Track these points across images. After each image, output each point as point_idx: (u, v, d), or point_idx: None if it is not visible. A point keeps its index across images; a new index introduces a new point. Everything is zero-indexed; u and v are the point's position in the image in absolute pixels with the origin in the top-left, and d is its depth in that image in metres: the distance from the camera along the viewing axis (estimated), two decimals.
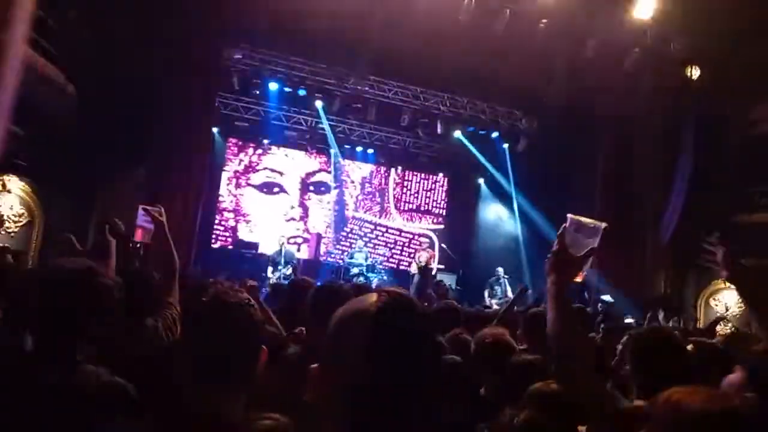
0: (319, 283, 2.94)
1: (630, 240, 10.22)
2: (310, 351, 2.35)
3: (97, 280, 1.68)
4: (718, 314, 8.87)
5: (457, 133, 13.06)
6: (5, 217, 8.19)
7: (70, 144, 7.79)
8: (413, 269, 11.50)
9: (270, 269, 10.69)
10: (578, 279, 1.78)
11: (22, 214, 8.38)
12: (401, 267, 13.83)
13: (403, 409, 0.90)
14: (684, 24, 8.74)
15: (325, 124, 12.65)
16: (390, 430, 0.89)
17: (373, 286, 11.74)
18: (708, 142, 9.47)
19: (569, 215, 1.65)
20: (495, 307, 9.75)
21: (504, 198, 13.74)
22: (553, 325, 1.58)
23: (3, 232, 8.14)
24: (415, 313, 0.95)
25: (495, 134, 13.15)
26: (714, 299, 10.19)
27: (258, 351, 1.36)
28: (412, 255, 13.98)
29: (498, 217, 14.04)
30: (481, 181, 14.42)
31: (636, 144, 10.48)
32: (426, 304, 5.59)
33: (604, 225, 1.62)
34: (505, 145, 13.20)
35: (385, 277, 12.26)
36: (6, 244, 7.57)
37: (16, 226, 8.31)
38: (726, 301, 10.12)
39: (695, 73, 9.20)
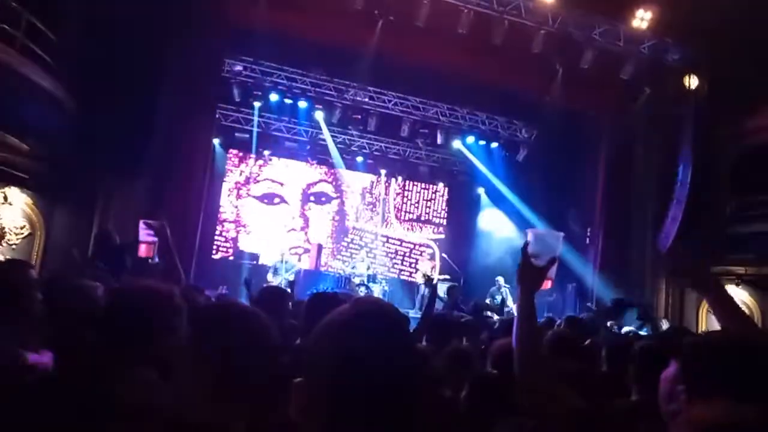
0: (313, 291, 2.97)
1: (630, 248, 10.23)
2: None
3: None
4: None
5: (457, 143, 13.11)
6: (6, 230, 8.21)
7: (71, 157, 7.83)
8: (419, 279, 11.56)
9: (270, 274, 10.73)
10: (547, 286, 1.89)
11: (24, 226, 8.41)
12: (402, 276, 13.83)
13: (377, 418, 0.88)
14: (682, 34, 8.81)
15: (327, 135, 12.70)
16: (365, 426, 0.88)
17: (375, 295, 11.78)
18: (706, 151, 9.49)
19: (528, 230, 1.87)
20: (495, 316, 9.74)
21: (504, 207, 13.74)
22: (517, 330, 1.72)
23: (4, 245, 8.16)
24: (390, 321, 0.95)
25: (495, 144, 13.19)
26: None
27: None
28: (413, 264, 13.99)
29: (498, 226, 14.04)
30: (481, 190, 14.44)
31: (635, 153, 10.52)
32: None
33: (561, 234, 1.84)
34: (505, 155, 13.24)
35: (386, 287, 12.25)
36: (8, 257, 7.60)
37: (17, 239, 8.33)
38: None
39: (693, 82, 9.25)
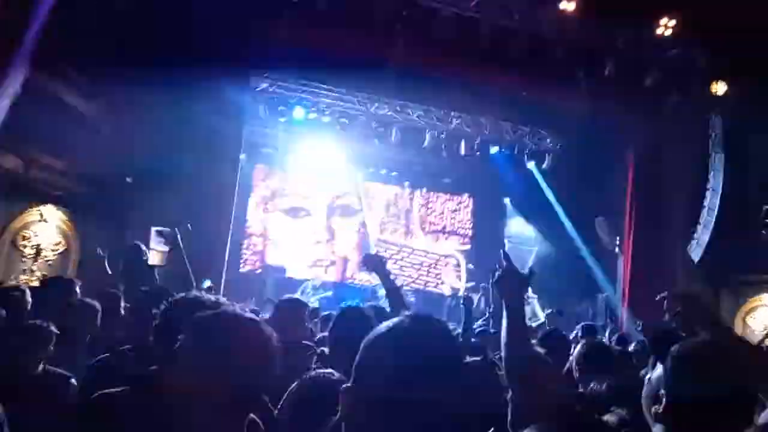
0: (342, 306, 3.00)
1: (659, 260, 10.05)
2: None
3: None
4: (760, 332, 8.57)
5: (481, 154, 13.07)
6: (43, 247, 8.46)
7: (104, 174, 8.06)
8: (446, 291, 11.52)
9: (299, 293, 10.79)
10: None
11: (59, 242, 8.65)
12: (428, 288, 13.79)
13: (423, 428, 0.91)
14: (708, 40, 8.68)
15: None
16: None
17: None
18: (738, 157, 9.31)
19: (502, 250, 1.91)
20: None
21: (531, 217, 13.64)
22: (505, 335, 1.74)
23: (41, 261, 8.41)
24: (438, 336, 0.99)
25: (519, 153, 13.12)
26: (751, 317, 9.90)
27: None
28: (438, 276, 13.94)
29: (525, 236, 13.92)
30: (507, 200, 14.35)
31: (664, 160, 10.36)
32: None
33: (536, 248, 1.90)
34: (531, 164, 13.16)
35: (412, 299, 12.23)
36: (45, 273, 7.83)
37: (53, 255, 8.58)
38: (763, 318, 9.83)
39: (721, 88, 9.10)
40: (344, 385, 0.99)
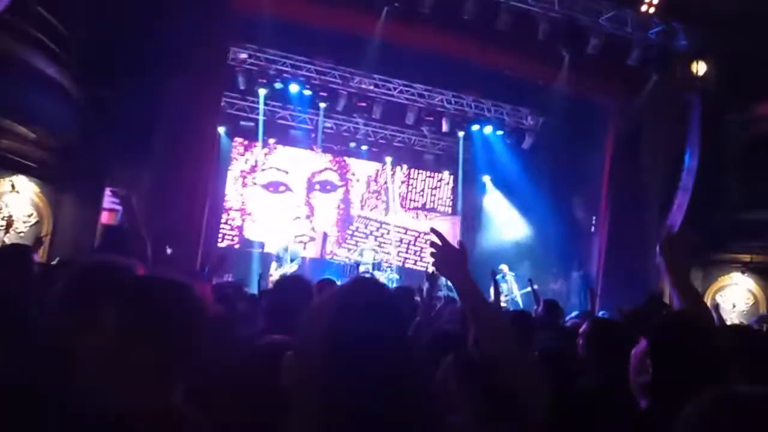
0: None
1: (635, 238, 10.21)
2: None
3: None
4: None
5: (462, 131, 13.07)
6: (15, 218, 8.28)
7: (77, 145, 7.87)
8: (431, 267, 11.57)
9: (274, 265, 10.76)
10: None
11: (32, 214, 8.47)
12: (407, 265, 13.86)
13: (366, 393, 0.91)
14: (690, 19, 8.73)
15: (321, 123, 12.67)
16: (354, 410, 0.91)
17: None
18: (714, 137, 9.44)
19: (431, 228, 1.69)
20: (502, 304, 9.78)
21: (510, 195, 13.73)
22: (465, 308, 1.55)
23: (12, 233, 8.23)
24: (379, 297, 0.99)
25: (500, 131, 13.15)
26: (720, 295, 10.16)
27: None
28: (418, 252, 14.01)
29: (504, 214, 14.03)
30: (486, 178, 14.41)
31: (642, 139, 10.46)
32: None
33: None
34: (511, 142, 13.20)
35: (392, 275, 12.29)
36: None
37: (25, 227, 8.40)
38: (733, 297, 10.09)
39: (701, 68, 9.18)
40: (286, 354, 0.99)
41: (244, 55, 11.18)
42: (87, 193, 8.22)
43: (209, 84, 10.07)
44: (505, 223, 13.89)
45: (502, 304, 9.78)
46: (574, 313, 5.60)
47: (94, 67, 7.79)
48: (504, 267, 11.43)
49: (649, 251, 10.47)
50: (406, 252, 14.19)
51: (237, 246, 12.74)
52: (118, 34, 7.72)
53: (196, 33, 8.87)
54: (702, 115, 9.34)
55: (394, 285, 10.49)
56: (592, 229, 11.83)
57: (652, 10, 8.80)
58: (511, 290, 11.01)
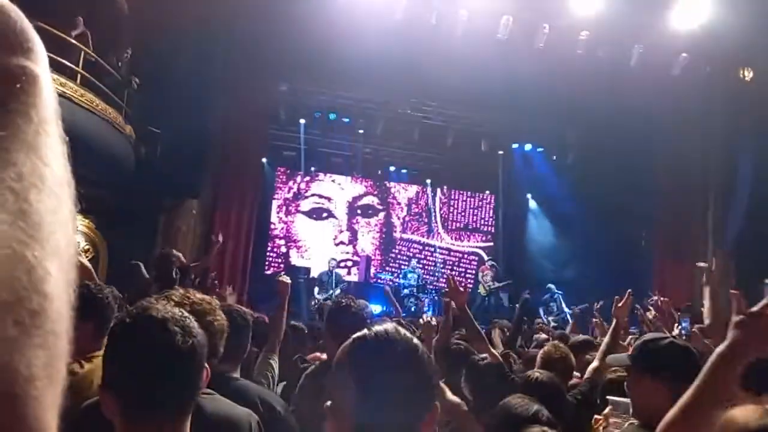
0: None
1: (688, 254, 9.88)
2: (328, 366, 2.57)
3: None
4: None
5: (502, 150, 12.99)
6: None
7: (130, 181, 8.19)
8: (481, 291, 11.46)
9: (317, 289, 10.84)
10: None
11: (88, 249, 8.82)
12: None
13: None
14: (734, 26, 8.50)
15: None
16: None
17: (425, 305, 11.77)
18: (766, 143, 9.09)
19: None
20: (553, 324, 9.58)
21: (554, 212, 13.51)
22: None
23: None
24: (395, 350, 1.02)
25: (541, 149, 13.00)
26: None
27: None
28: (462, 274, 13.88)
29: (547, 231, 13.80)
30: (529, 196, 14.24)
31: (691, 148, 10.17)
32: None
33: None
34: (553, 159, 13.04)
35: (436, 297, 12.20)
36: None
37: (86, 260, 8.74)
38: None
39: (748, 75, 8.91)
40: (325, 405, 1.04)
41: (283, 88, 11.48)
42: (141, 227, 8.51)
43: (253, 116, 10.39)
44: (551, 240, 13.65)
45: (552, 324, 9.56)
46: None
47: (144, 103, 8.14)
48: (552, 286, 11.22)
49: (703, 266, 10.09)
50: (451, 273, 14.08)
51: (283, 273, 12.89)
52: (166, 70, 8.07)
53: (240, 68, 9.21)
54: (753, 121, 9.03)
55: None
56: (642, 243, 11.50)
57: (694, 24, 8.62)
58: (561, 309, 10.77)
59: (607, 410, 1.93)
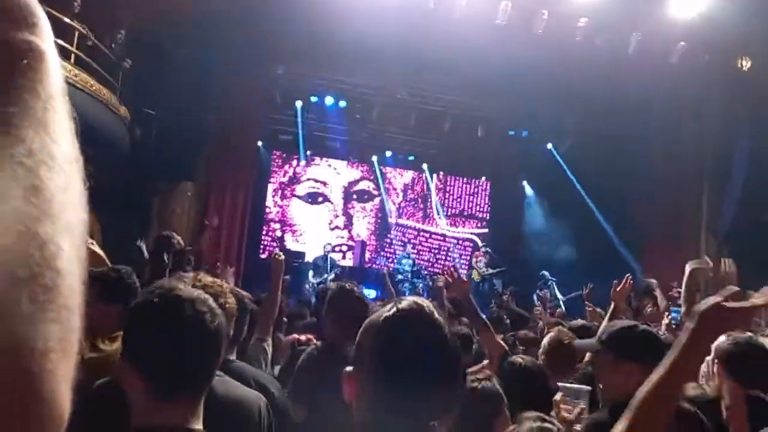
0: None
1: (685, 240, 9.95)
2: (329, 345, 2.75)
3: None
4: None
5: (498, 135, 12.97)
6: None
7: (124, 162, 8.15)
8: (475, 276, 11.49)
9: (311, 273, 10.87)
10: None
11: None
12: (446, 274, 13.79)
13: (412, 414, 0.98)
14: (733, 15, 8.47)
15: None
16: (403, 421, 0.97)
17: (420, 291, 11.81)
18: (763, 130, 9.10)
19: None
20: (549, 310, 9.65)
21: (549, 199, 13.53)
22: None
23: None
24: (427, 323, 1.03)
25: (538, 135, 12.99)
26: None
27: None
28: (456, 260, 13.94)
29: (543, 218, 13.83)
30: (525, 183, 14.25)
31: (687, 135, 10.18)
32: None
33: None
34: (549, 145, 13.03)
35: (430, 283, 12.25)
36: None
37: None
38: None
39: (746, 64, 8.90)
40: (345, 369, 1.05)
41: (280, 71, 11.39)
42: (135, 210, 8.48)
43: (248, 100, 10.33)
44: (546, 227, 13.68)
45: (549, 310, 9.61)
46: None
47: (139, 85, 8.08)
48: (546, 273, 11.27)
49: (698, 247, 10.16)
50: (445, 259, 14.13)
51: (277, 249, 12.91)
52: (161, 51, 7.99)
53: (236, 51, 9.12)
54: (751, 108, 9.03)
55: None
56: (637, 229, 11.53)
57: (691, 13, 8.59)
58: (555, 296, 10.83)
59: (558, 396, 1.95)
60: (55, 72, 0.37)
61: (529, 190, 14.24)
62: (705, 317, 1.31)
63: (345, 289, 2.78)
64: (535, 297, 11.08)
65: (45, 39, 0.37)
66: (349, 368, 1.05)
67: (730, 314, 1.31)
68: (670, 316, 4.90)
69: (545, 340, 3.06)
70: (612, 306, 3.53)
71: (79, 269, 0.35)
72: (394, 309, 1.04)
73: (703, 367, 2.13)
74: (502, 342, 3.14)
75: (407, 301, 1.06)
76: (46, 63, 0.36)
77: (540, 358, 2.90)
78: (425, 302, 1.07)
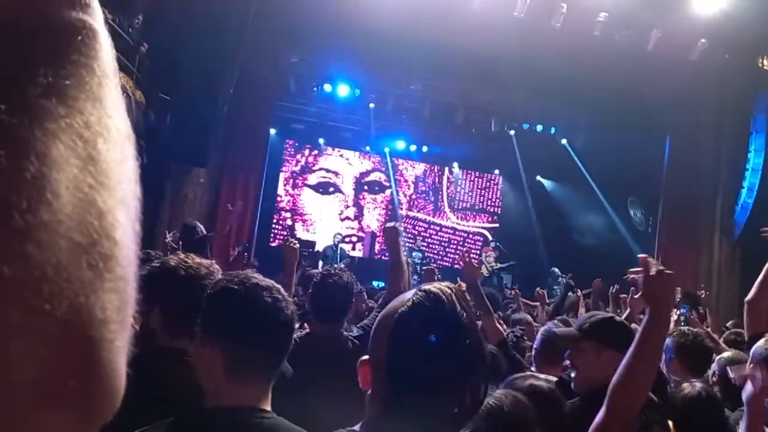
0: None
1: (696, 237, 9.86)
2: (309, 334, 2.75)
3: None
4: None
5: (513, 130, 12.90)
6: None
7: (138, 146, 8.17)
8: (484, 271, 11.46)
9: (320, 263, 10.89)
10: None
11: None
12: (455, 266, 13.78)
13: (430, 404, 0.96)
14: (755, 13, 8.34)
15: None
16: (415, 420, 0.96)
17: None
18: None
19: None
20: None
21: (562, 195, 13.46)
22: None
23: None
24: (445, 320, 0.99)
25: (552, 130, 12.89)
26: None
27: None
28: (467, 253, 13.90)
29: (555, 214, 13.76)
30: (537, 177, 14.17)
31: (702, 138, 10.06)
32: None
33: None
34: (564, 141, 12.93)
35: (439, 276, 12.23)
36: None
37: None
38: None
39: (767, 63, 8.77)
40: (361, 358, 1.04)
41: (294, 59, 11.37)
42: (150, 197, 8.52)
43: (261, 88, 10.32)
44: (558, 222, 13.61)
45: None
46: None
47: (153, 71, 8.09)
48: (556, 269, 11.23)
49: (711, 254, 10.08)
50: (455, 253, 14.10)
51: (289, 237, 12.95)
52: (176, 39, 8.00)
53: (249, 38, 9.12)
54: (767, 114, 8.92)
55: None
56: (648, 229, 11.45)
57: (712, 10, 8.47)
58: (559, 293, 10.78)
59: None
60: (108, 52, 0.37)
61: (541, 185, 14.16)
62: (649, 294, 1.51)
63: (329, 280, 2.63)
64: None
65: (97, 19, 0.37)
66: (365, 357, 1.04)
67: (662, 278, 1.51)
68: (678, 312, 4.96)
69: (537, 336, 3.19)
70: (626, 312, 3.69)
71: (134, 244, 0.34)
72: (411, 303, 1.00)
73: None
74: (502, 330, 3.28)
75: (427, 292, 1.01)
76: (100, 41, 0.37)
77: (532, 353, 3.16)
78: (447, 291, 1.02)
